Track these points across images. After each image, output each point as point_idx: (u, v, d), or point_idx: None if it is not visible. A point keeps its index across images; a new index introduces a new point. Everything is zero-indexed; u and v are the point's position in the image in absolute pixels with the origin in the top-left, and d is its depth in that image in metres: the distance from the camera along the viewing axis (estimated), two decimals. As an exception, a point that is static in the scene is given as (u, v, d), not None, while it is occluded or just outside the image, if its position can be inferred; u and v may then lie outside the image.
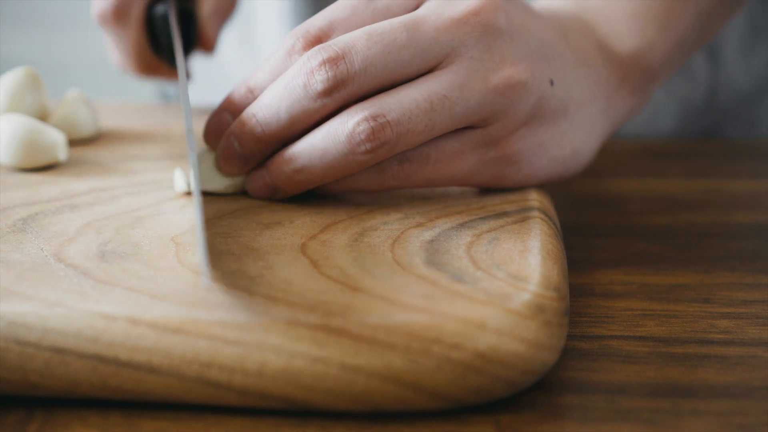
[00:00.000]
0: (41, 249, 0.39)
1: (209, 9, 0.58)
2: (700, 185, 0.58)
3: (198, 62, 0.73)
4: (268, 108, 0.42)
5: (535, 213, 0.42)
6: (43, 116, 0.54)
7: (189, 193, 0.45)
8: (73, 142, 0.55)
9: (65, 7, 1.91)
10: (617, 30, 0.49)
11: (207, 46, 0.59)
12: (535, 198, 0.44)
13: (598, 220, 0.52)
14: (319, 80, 0.40)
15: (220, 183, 0.45)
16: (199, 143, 0.47)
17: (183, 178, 0.45)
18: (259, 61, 0.76)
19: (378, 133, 0.40)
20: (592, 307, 0.41)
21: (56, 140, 0.50)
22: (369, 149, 0.40)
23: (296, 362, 0.32)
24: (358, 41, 0.40)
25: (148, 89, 1.04)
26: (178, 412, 0.34)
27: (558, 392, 0.35)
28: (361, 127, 0.40)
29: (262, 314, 0.33)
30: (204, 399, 0.33)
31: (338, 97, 0.40)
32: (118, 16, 0.57)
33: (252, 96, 0.44)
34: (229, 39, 0.79)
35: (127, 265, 0.37)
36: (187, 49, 0.58)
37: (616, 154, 0.62)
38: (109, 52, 0.61)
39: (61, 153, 0.50)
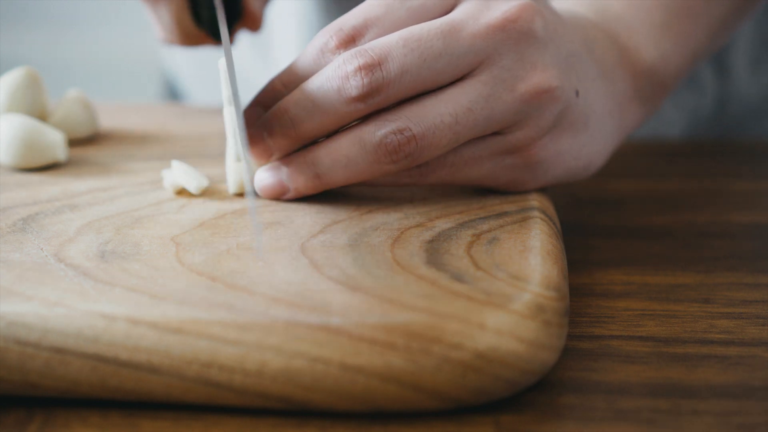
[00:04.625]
0: (41, 249, 0.39)
1: None
2: (700, 185, 0.58)
3: (213, 64, 0.73)
4: (300, 106, 0.42)
5: (535, 213, 0.42)
6: (42, 116, 0.54)
7: (180, 192, 0.45)
8: (73, 142, 0.55)
9: (66, 7, 1.91)
10: (636, 42, 0.49)
11: (252, 23, 0.58)
12: (535, 198, 0.44)
13: (598, 220, 0.52)
14: (354, 86, 0.40)
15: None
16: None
17: (171, 177, 0.45)
18: (276, 64, 0.76)
19: (403, 146, 0.41)
20: (592, 307, 0.41)
21: (56, 140, 0.50)
22: (394, 160, 0.41)
23: (296, 362, 0.32)
24: (394, 48, 0.40)
25: (149, 89, 1.04)
26: (178, 412, 0.34)
27: (558, 392, 0.35)
28: (388, 139, 0.41)
29: (262, 314, 0.33)
30: (204, 399, 0.33)
31: (372, 103, 0.41)
32: None
33: (285, 91, 0.44)
34: (243, 42, 0.78)
35: (127, 265, 0.37)
36: (231, 24, 0.58)
37: (616, 155, 0.62)
38: (151, 25, 0.60)
39: (61, 153, 0.50)
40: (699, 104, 0.72)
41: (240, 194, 0.45)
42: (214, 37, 0.58)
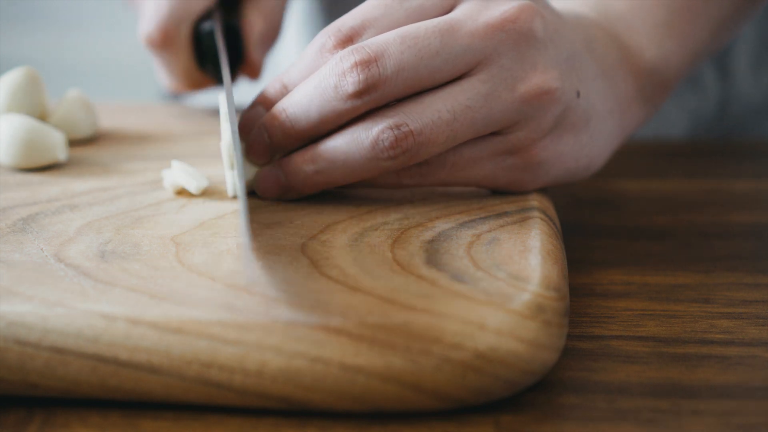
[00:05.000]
0: (41, 249, 0.39)
1: (257, 35, 0.57)
2: (700, 185, 0.58)
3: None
4: (298, 105, 0.42)
5: (535, 213, 0.42)
6: (43, 116, 0.54)
7: (180, 192, 0.45)
8: (73, 142, 0.55)
9: (66, 8, 1.91)
10: (638, 41, 0.48)
11: (252, 71, 0.59)
12: (535, 198, 0.44)
13: (598, 220, 0.52)
14: (350, 82, 0.40)
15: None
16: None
17: (171, 177, 0.45)
18: (277, 66, 0.76)
19: (401, 141, 0.41)
20: (592, 307, 0.41)
21: (56, 140, 0.50)
22: (391, 156, 0.41)
23: (296, 362, 0.32)
24: (391, 45, 0.40)
25: (149, 89, 1.03)
26: (178, 412, 0.34)
27: (558, 392, 0.35)
28: (384, 135, 0.41)
29: (262, 314, 0.33)
30: (204, 399, 0.33)
31: (368, 100, 0.41)
32: (166, 40, 0.56)
33: (286, 92, 0.44)
34: None
35: (127, 265, 0.37)
36: (233, 68, 0.58)
37: (616, 155, 0.62)
38: (157, 74, 0.60)
39: (61, 153, 0.50)
40: (701, 105, 0.72)
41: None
42: (218, 79, 0.58)
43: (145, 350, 0.33)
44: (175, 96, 0.61)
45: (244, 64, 0.58)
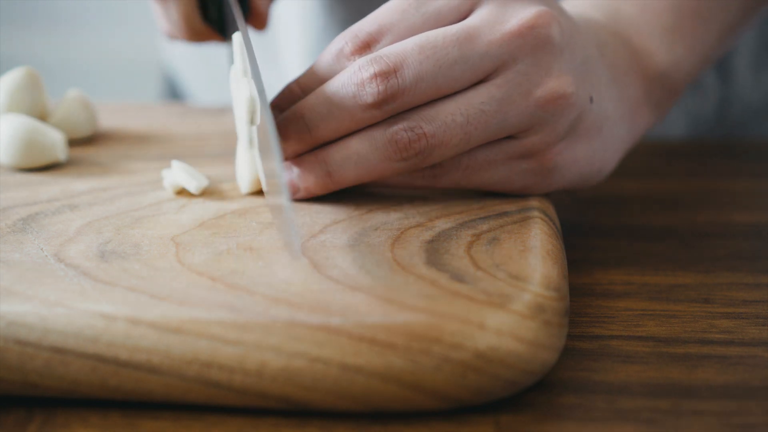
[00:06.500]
0: (41, 249, 0.39)
1: None
2: (700, 185, 0.58)
3: (214, 63, 0.72)
4: (315, 111, 0.42)
5: (535, 213, 0.42)
6: (42, 116, 0.54)
7: (180, 192, 0.45)
8: (73, 142, 0.55)
9: (66, 7, 1.91)
10: (648, 46, 0.49)
11: (259, 21, 0.58)
12: (535, 198, 0.44)
13: (598, 220, 0.52)
14: (369, 93, 0.40)
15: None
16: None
17: (171, 177, 0.45)
18: (281, 67, 0.75)
19: (414, 143, 0.41)
20: (592, 307, 0.41)
21: (56, 140, 0.50)
22: (404, 158, 0.41)
23: (296, 362, 0.32)
24: (410, 55, 0.40)
25: (149, 89, 1.03)
26: (178, 412, 0.34)
27: (558, 392, 0.35)
28: (398, 136, 0.41)
29: (262, 314, 0.33)
30: (204, 399, 0.33)
31: (387, 110, 0.41)
32: None
33: (303, 95, 0.44)
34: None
35: (127, 265, 0.37)
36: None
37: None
38: (157, 20, 0.60)
39: (61, 153, 0.50)
40: (701, 107, 0.72)
41: (255, 193, 0.45)
42: (221, 34, 0.57)
43: (145, 350, 0.33)
44: (173, 40, 0.59)
45: (250, 14, 0.58)
